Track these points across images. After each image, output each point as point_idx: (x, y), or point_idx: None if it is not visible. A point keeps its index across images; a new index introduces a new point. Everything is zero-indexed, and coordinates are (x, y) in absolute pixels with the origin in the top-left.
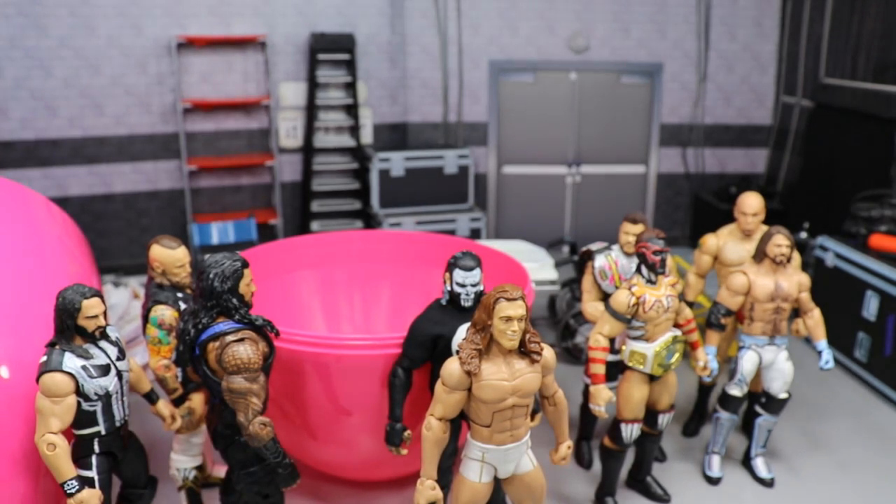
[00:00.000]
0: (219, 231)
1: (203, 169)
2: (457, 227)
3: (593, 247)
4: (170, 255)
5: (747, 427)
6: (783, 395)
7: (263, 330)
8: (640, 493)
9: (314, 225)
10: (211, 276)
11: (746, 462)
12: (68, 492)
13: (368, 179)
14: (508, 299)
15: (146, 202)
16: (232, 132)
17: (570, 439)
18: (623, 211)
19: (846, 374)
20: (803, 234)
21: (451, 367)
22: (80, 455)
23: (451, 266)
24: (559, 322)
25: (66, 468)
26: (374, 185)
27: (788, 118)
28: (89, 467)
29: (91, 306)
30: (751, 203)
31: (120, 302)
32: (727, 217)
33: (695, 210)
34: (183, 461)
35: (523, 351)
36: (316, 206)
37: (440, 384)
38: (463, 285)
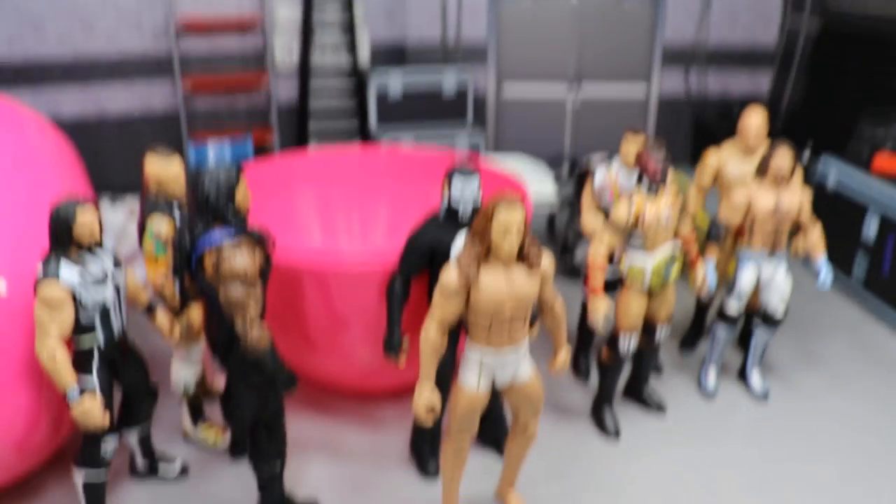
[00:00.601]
0: (215, 151)
1: (198, 90)
2: (456, 146)
3: (594, 159)
4: (165, 167)
5: (744, 343)
6: (781, 310)
7: (260, 239)
8: (636, 403)
9: (311, 145)
10: (207, 185)
11: (742, 376)
12: (70, 400)
13: (366, 99)
14: (507, 206)
15: (141, 124)
16: (226, 52)
17: (567, 347)
18: (623, 133)
19: (843, 294)
20: (806, 155)
21: (450, 275)
22: (80, 365)
23: (449, 177)
24: (557, 239)
25: (67, 377)
26: (371, 105)
27: (795, 39)
28: (90, 377)
29: (85, 216)
30: (754, 119)
31: (116, 221)
32: (728, 139)
33: (695, 131)
34: (183, 373)
35: (522, 258)
36: (313, 125)
37: (438, 292)
38: (461, 196)
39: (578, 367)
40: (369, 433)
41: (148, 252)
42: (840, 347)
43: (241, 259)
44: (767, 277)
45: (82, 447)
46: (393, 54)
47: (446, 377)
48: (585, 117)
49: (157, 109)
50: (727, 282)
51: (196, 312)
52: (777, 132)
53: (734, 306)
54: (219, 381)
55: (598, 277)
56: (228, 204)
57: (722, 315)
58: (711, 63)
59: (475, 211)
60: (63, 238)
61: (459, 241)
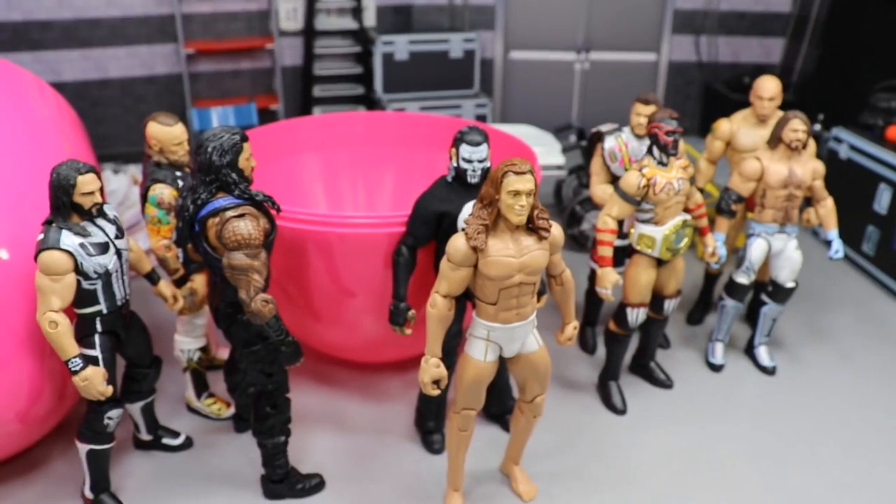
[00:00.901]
0: (219, 117)
1: (201, 53)
2: (462, 112)
3: (603, 128)
4: (167, 133)
5: (752, 318)
6: (790, 285)
7: (264, 206)
8: (642, 378)
9: (316, 110)
10: (209, 149)
11: (749, 351)
12: (73, 369)
13: (371, 64)
14: (517, 173)
15: (143, 88)
16: (230, 14)
17: (576, 320)
18: (632, 102)
19: (852, 268)
20: (817, 127)
21: (457, 243)
22: (82, 334)
23: (458, 141)
24: (565, 209)
25: (69, 346)
26: (377, 70)
27: (809, 5)
28: (92, 346)
29: (86, 182)
30: (768, 87)
31: (119, 188)
32: (738, 108)
33: (705, 100)
34: (187, 342)
35: (531, 227)
36: (318, 91)
37: (445, 261)
38: (469, 161)
39: (585, 340)
40: (374, 405)
41: (150, 219)
42: (848, 322)
43: (244, 225)
44: (777, 251)
45: (85, 420)
46: (399, 16)
47: (453, 349)
48: (594, 85)
49: (160, 73)
50: (736, 255)
51: (200, 281)
52: (788, 102)
53: (743, 280)
54: (222, 353)
55: (606, 249)
56: (232, 170)
57: (730, 289)
58: (722, 30)
59: (484, 176)
60: (64, 204)
61: (467, 209)
